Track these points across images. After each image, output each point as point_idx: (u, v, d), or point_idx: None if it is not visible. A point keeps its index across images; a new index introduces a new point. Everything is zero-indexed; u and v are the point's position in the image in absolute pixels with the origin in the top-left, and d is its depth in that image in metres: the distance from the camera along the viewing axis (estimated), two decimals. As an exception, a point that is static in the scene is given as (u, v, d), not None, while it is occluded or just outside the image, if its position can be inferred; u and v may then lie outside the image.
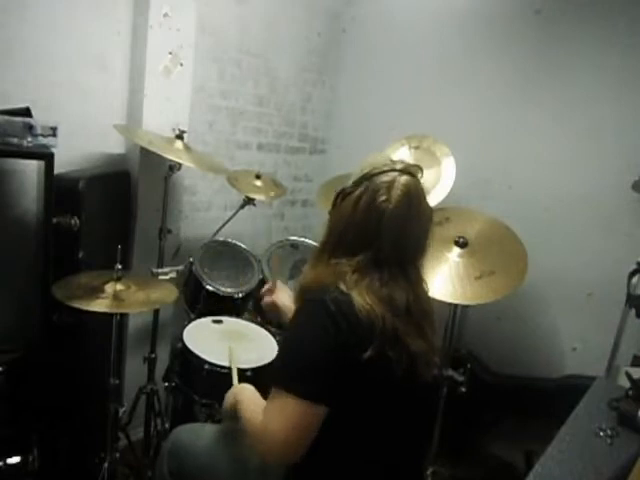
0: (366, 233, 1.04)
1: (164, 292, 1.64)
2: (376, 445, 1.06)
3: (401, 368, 0.98)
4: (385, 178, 1.05)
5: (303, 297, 1.07)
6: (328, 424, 0.98)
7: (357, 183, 1.06)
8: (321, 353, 0.96)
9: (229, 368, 1.51)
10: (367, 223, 1.03)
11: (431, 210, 1.11)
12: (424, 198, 1.09)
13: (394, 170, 1.06)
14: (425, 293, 1.12)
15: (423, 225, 1.08)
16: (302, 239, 2.31)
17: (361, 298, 0.97)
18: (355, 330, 0.95)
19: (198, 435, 1.33)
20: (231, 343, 1.76)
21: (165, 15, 1.95)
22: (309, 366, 0.97)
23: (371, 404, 1.02)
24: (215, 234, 2.18)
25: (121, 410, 1.76)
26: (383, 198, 1.03)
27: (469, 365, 2.02)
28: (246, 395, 1.18)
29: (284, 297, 1.42)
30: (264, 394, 1.08)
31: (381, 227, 1.02)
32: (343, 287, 0.99)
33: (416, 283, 1.09)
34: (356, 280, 1.00)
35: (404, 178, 1.05)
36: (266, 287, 1.47)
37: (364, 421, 1.03)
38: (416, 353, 1.01)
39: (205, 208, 2.51)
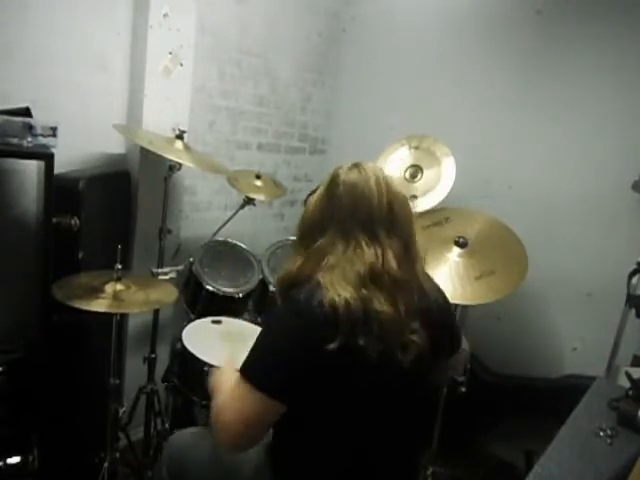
0: (327, 211, 1.08)
1: (164, 292, 1.65)
2: (359, 438, 1.06)
3: (374, 354, 0.96)
4: (343, 165, 1.13)
5: (284, 293, 1.10)
6: (305, 422, 1.00)
7: (319, 184, 1.15)
8: (286, 350, 0.99)
9: None
10: (327, 203, 1.09)
11: (403, 193, 1.12)
12: (389, 178, 1.11)
13: (352, 163, 1.14)
14: (406, 265, 1.07)
15: (387, 194, 1.08)
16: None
17: (331, 286, 0.98)
18: (319, 324, 0.96)
19: (197, 439, 1.33)
20: (230, 343, 1.76)
21: (165, 15, 1.95)
22: (271, 362, 1.00)
23: (346, 397, 1.02)
24: (215, 234, 2.18)
25: (121, 410, 1.76)
26: (340, 173, 1.10)
27: (469, 365, 2.02)
28: (227, 376, 1.17)
29: None
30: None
31: (338, 197, 1.07)
32: (320, 277, 1.01)
33: (388, 250, 1.05)
34: (332, 264, 1.02)
35: (365, 163, 1.13)
36: None
37: (342, 416, 1.03)
38: (384, 327, 0.98)
39: (205, 208, 2.51)
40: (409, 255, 1.09)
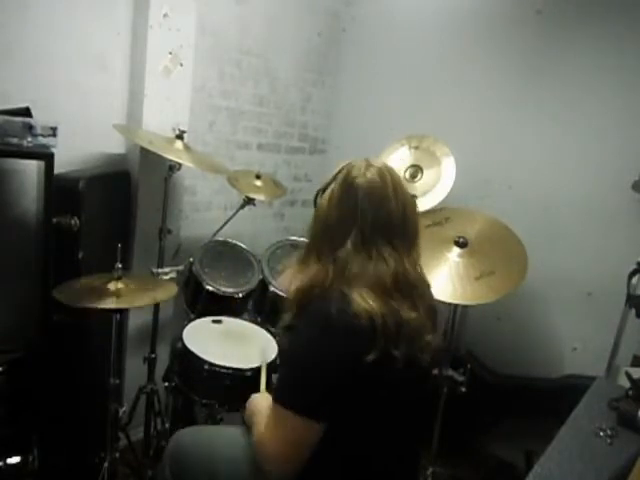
0: (346, 216, 1.04)
1: (164, 290, 1.65)
2: (382, 442, 1.05)
3: (402, 360, 0.97)
4: (355, 163, 1.09)
5: (304, 303, 1.05)
6: (330, 433, 0.98)
7: (329, 181, 1.09)
8: (323, 369, 0.96)
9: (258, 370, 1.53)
10: (345, 206, 1.04)
11: (411, 194, 1.13)
12: (400, 178, 1.11)
13: (362, 159, 1.11)
14: (415, 265, 1.09)
15: (401, 196, 1.07)
16: (302, 239, 2.30)
17: (361, 298, 0.96)
18: (357, 337, 0.94)
19: (199, 438, 1.33)
20: (231, 343, 1.77)
21: (165, 15, 1.95)
22: (309, 383, 0.96)
23: (374, 405, 1.01)
24: (215, 234, 2.18)
25: (121, 410, 1.76)
26: (355, 175, 1.05)
27: (469, 365, 2.02)
28: (262, 405, 1.15)
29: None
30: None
31: (358, 203, 1.03)
32: (345, 288, 0.98)
33: (405, 255, 1.06)
34: (354, 274, 0.99)
35: (374, 159, 1.11)
36: None
37: (371, 423, 1.02)
38: (414, 332, 1.00)
39: (205, 208, 2.51)
40: (415, 256, 1.09)
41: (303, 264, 1.11)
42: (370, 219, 1.02)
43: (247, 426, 1.20)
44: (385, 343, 0.94)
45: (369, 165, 1.08)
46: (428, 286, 1.16)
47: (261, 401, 1.20)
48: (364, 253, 1.01)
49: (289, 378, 1.00)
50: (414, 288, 1.05)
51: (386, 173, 1.07)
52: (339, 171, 1.09)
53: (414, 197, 2.03)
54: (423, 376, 1.07)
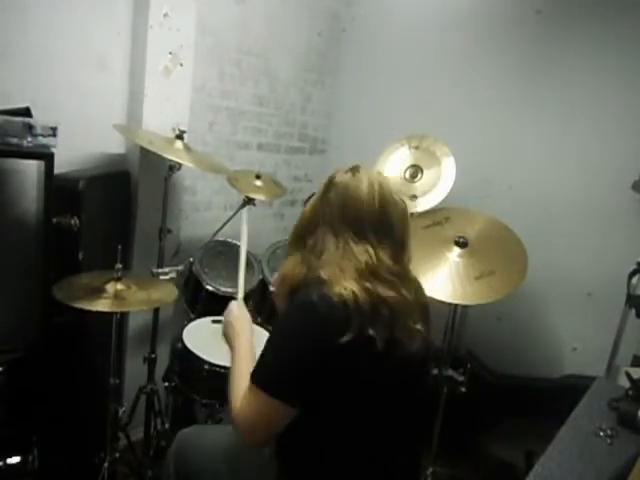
0: (319, 209, 1.12)
1: (164, 292, 1.65)
2: (367, 432, 1.06)
3: (382, 342, 0.98)
4: (339, 170, 1.15)
5: (288, 295, 1.11)
6: (315, 419, 1.01)
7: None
8: (300, 354, 0.99)
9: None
10: (321, 201, 1.12)
11: (399, 197, 1.14)
12: (381, 179, 1.13)
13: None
14: (395, 261, 1.09)
15: (377, 195, 1.09)
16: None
17: (334, 277, 1.00)
18: (333, 319, 0.97)
19: (202, 436, 1.35)
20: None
21: (165, 15, 1.95)
22: (285, 367, 1.00)
23: (356, 388, 1.03)
24: (215, 234, 2.18)
25: (121, 410, 1.76)
26: (335, 175, 1.14)
27: (469, 365, 2.02)
28: (243, 353, 1.18)
29: None
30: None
31: (331, 196, 1.10)
32: (320, 272, 1.02)
33: (380, 249, 1.07)
34: (326, 258, 1.05)
35: (362, 167, 1.15)
36: None
37: (351, 410, 1.04)
38: (394, 312, 1.02)
39: (205, 208, 2.51)
40: (403, 258, 1.12)
41: (290, 249, 1.18)
42: (338, 211, 1.08)
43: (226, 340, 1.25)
44: (360, 323, 0.97)
45: (351, 169, 1.14)
46: (416, 284, 1.17)
47: (244, 367, 1.16)
48: (333, 242, 1.07)
49: (267, 360, 1.02)
50: (394, 275, 1.07)
51: (363, 175, 1.11)
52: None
53: (413, 197, 2.07)
54: (411, 364, 1.07)
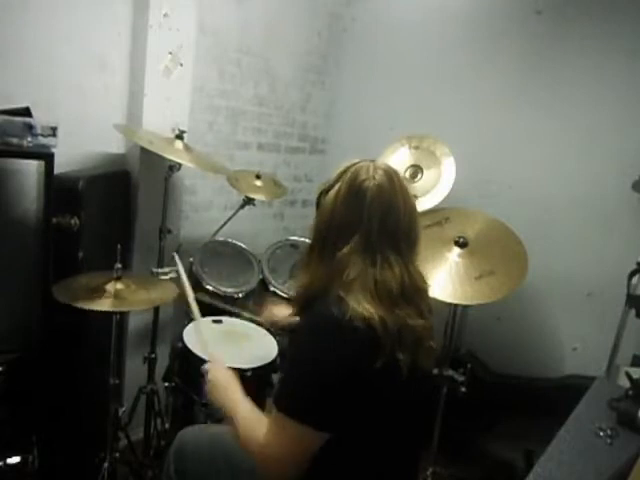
0: (351, 218, 1.01)
1: (164, 291, 1.65)
2: (379, 446, 1.05)
3: (406, 366, 0.96)
4: (362, 164, 1.06)
5: (305, 307, 1.05)
6: (334, 439, 0.97)
7: (333, 182, 1.06)
8: (326, 378, 0.94)
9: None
10: (351, 208, 1.01)
11: (413, 198, 1.10)
12: (405, 182, 1.08)
13: (367, 160, 1.08)
14: (418, 270, 1.08)
15: (408, 202, 1.05)
16: (302, 239, 2.31)
17: (357, 303, 0.94)
18: (358, 343, 0.93)
19: (202, 435, 1.35)
20: (231, 343, 1.76)
21: (165, 15, 1.95)
22: (313, 392, 0.94)
23: (379, 411, 1.00)
24: (215, 234, 2.18)
25: (121, 410, 1.76)
26: (364, 177, 1.02)
27: (469, 365, 2.02)
28: (236, 398, 1.12)
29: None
30: (261, 393, 1.06)
31: (366, 205, 1.00)
32: (341, 292, 0.96)
33: (409, 261, 1.05)
34: (353, 279, 0.97)
35: (380, 162, 1.07)
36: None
37: (371, 429, 1.01)
38: (418, 339, 0.99)
39: (205, 208, 2.51)
40: (417, 259, 1.08)
41: (306, 264, 1.09)
42: (377, 224, 1.00)
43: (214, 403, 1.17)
44: (390, 348, 0.93)
45: (377, 167, 1.05)
46: (428, 287, 1.16)
47: (231, 388, 1.15)
48: (367, 258, 0.99)
49: (292, 386, 0.98)
50: (418, 293, 1.04)
51: (394, 177, 1.04)
52: (344, 171, 1.06)
53: (414, 197, 2.07)
54: (426, 380, 1.07)
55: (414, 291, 1.03)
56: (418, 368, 1.00)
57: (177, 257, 1.57)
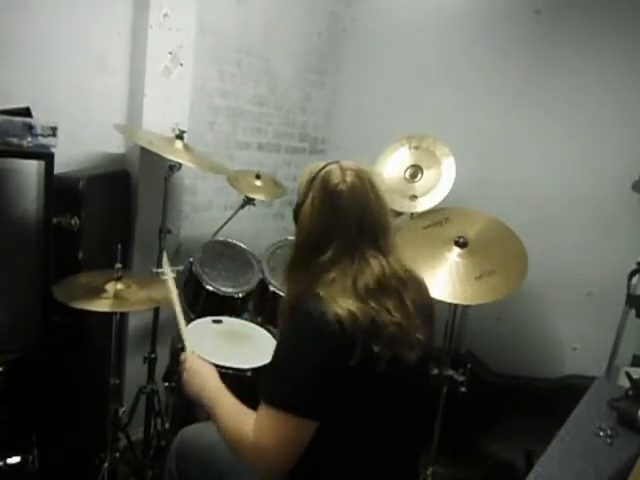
0: (330, 226, 1.03)
1: (164, 292, 1.64)
2: (368, 441, 1.05)
3: (385, 360, 0.97)
4: (329, 168, 1.07)
5: (291, 310, 1.06)
6: (321, 431, 0.98)
7: (304, 191, 1.08)
8: (313, 368, 0.96)
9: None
10: (328, 215, 1.03)
11: (381, 186, 1.10)
12: (375, 176, 1.09)
13: (333, 163, 1.09)
14: (398, 259, 1.09)
15: (380, 197, 1.07)
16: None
17: (332, 302, 0.96)
18: (334, 338, 0.94)
19: (203, 433, 1.34)
20: (231, 343, 1.76)
21: (165, 15, 1.95)
22: (302, 382, 0.96)
23: (361, 404, 1.01)
24: (215, 234, 2.18)
25: (121, 410, 1.76)
26: (335, 182, 1.04)
27: (469, 365, 2.02)
28: (217, 394, 1.10)
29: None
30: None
31: (342, 210, 1.02)
32: (320, 290, 0.99)
33: (388, 252, 1.06)
34: (332, 279, 1.00)
35: (346, 162, 1.08)
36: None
37: (356, 421, 1.02)
38: (398, 331, 1.00)
39: (205, 208, 2.51)
40: (398, 253, 1.09)
41: (289, 274, 1.11)
42: (355, 226, 1.02)
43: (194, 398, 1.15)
44: (364, 343, 0.95)
45: (345, 169, 1.06)
46: (420, 282, 1.16)
47: (211, 382, 1.13)
48: (347, 259, 1.02)
49: (279, 379, 0.99)
50: (401, 285, 1.05)
51: (363, 175, 1.06)
52: (312, 178, 1.07)
53: (413, 197, 2.07)
54: (413, 373, 1.06)
55: (395, 281, 1.04)
56: (401, 361, 1.00)
57: (165, 257, 1.56)
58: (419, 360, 1.04)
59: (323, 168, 1.08)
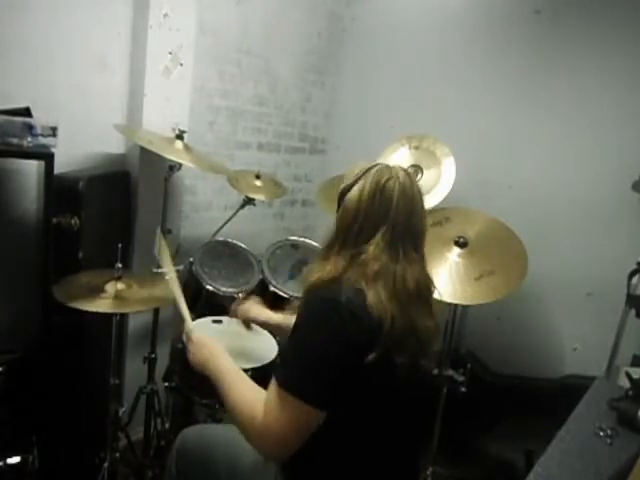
0: (378, 214, 1.03)
1: (165, 291, 1.64)
2: (372, 442, 1.06)
3: (405, 367, 0.98)
4: (381, 166, 1.09)
5: (312, 293, 1.04)
6: (326, 425, 0.98)
7: (354, 178, 1.08)
8: (329, 359, 0.95)
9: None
10: (377, 205, 1.04)
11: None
12: (416, 182, 1.12)
13: (386, 164, 1.11)
14: (427, 271, 1.12)
15: (423, 205, 1.10)
16: (302, 239, 2.30)
17: (376, 297, 0.96)
18: (363, 332, 0.95)
19: (203, 435, 1.35)
20: (231, 343, 1.76)
21: (165, 15, 1.95)
22: (316, 372, 0.96)
23: (372, 404, 1.02)
24: (215, 234, 2.18)
25: (121, 410, 1.77)
26: (388, 177, 1.05)
27: (469, 365, 2.02)
28: (227, 367, 1.13)
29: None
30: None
31: (393, 202, 1.03)
32: (362, 283, 0.98)
33: (424, 261, 1.10)
34: (376, 272, 0.99)
35: (397, 165, 1.11)
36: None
37: (363, 421, 1.03)
38: (424, 342, 1.02)
39: (205, 208, 2.51)
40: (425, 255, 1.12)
41: (323, 256, 1.09)
42: (402, 221, 1.03)
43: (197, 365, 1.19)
44: (389, 345, 0.95)
45: (397, 169, 1.08)
46: (435, 289, 1.18)
47: (220, 355, 1.16)
48: (390, 253, 1.02)
49: (297, 366, 0.98)
50: (431, 294, 1.08)
51: (413, 179, 1.09)
52: (366, 171, 1.08)
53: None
54: (424, 381, 1.08)
55: (427, 291, 1.08)
56: (418, 371, 1.02)
57: (159, 232, 1.55)
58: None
59: (375, 165, 1.09)
